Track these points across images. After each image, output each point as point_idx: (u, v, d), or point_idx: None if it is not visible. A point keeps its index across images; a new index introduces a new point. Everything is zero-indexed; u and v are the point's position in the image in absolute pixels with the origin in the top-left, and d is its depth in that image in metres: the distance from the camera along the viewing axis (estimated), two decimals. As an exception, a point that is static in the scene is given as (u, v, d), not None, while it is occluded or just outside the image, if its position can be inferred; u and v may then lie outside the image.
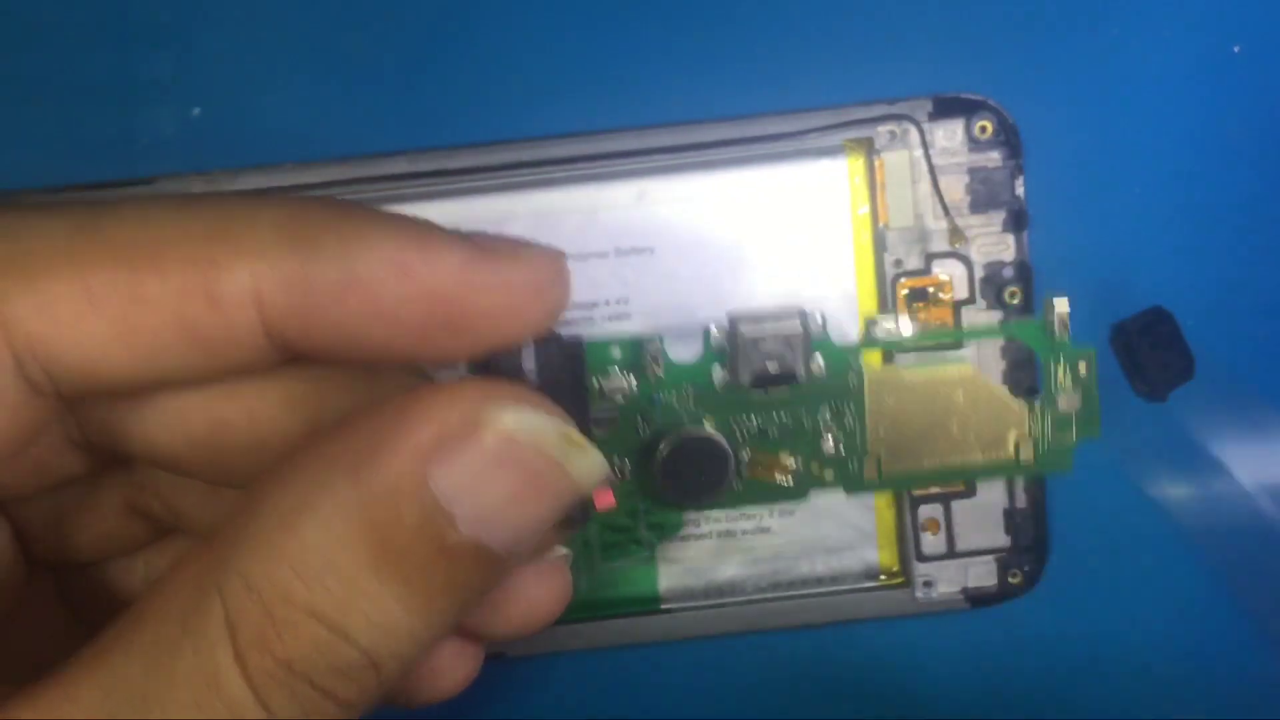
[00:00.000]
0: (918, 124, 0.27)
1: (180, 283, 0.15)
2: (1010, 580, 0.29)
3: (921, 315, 0.28)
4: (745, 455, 0.21)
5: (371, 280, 0.15)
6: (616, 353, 0.20)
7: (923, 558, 0.29)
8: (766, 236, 0.28)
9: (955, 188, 0.28)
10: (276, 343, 0.15)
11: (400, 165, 0.27)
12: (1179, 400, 0.28)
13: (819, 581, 0.29)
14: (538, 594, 0.19)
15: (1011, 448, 0.21)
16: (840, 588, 0.29)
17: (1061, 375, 0.21)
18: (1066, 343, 0.21)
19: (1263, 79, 0.28)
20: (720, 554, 0.29)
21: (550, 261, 0.17)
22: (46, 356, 0.15)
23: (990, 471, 0.22)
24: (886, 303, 0.28)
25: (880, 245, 0.28)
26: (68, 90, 0.27)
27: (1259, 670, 0.30)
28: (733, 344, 0.20)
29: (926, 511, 0.29)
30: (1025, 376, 0.28)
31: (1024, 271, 0.28)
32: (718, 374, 0.21)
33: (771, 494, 0.21)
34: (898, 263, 0.28)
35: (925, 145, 0.27)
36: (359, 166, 0.27)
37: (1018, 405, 0.21)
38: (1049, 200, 0.28)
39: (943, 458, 0.21)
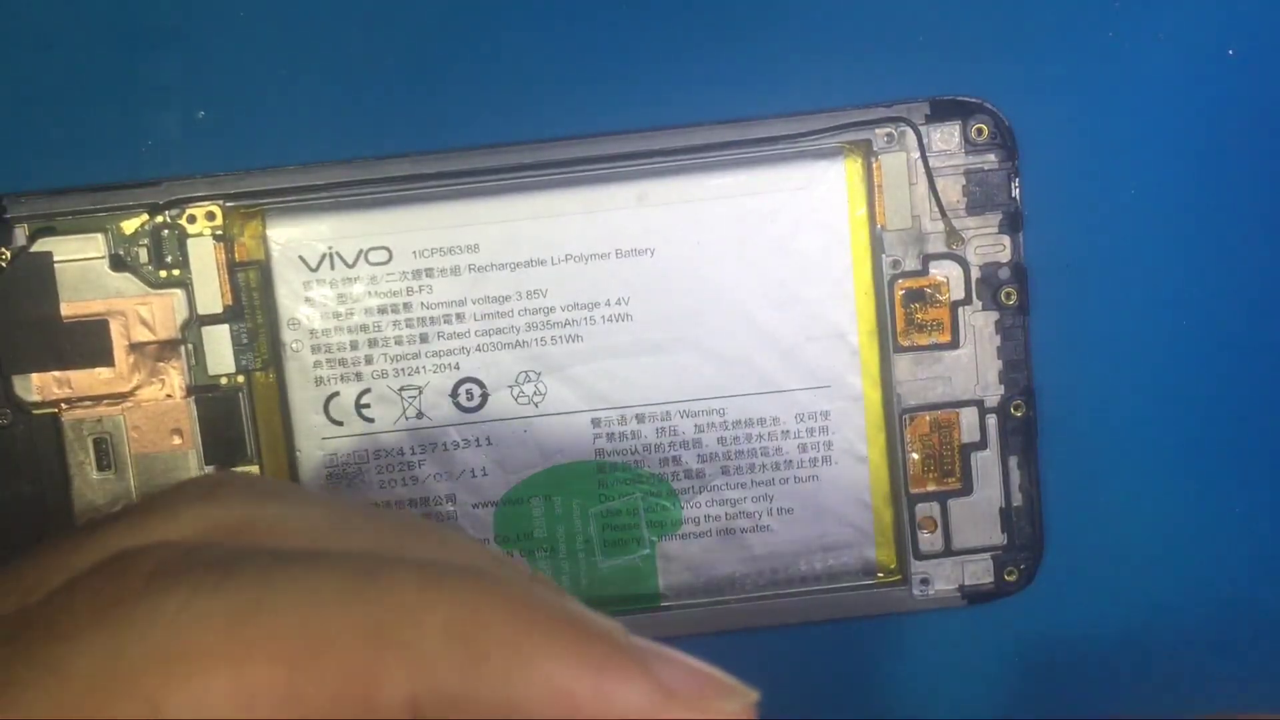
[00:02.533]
0: (915, 126, 0.28)
1: (338, 687, 0.14)
2: (1006, 578, 0.29)
3: (919, 316, 0.28)
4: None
5: (532, 708, 0.14)
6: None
7: (920, 555, 0.29)
8: (765, 238, 0.28)
9: (952, 189, 0.28)
10: None
11: (403, 168, 0.28)
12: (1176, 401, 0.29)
13: (817, 579, 0.29)
14: None
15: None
16: (838, 585, 0.29)
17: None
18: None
19: (1257, 82, 0.28)
20: (719, 551, 0.29)
21: (743, 715, 0.15)
22: None
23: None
24: (884, 304, 0.28)
25: (878, 246, 0.28)
26: (73, 92, 0.28)
27: (1257, 668, 0.30)
28: None
29: (924, 510, 0.29)
30: (1021, 377, 0.28)
31: (1020, 273, 0.28)
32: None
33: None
34: (895, 264, 0.28)
35: (922, 147, 0.28)
36: (362, 169, 0.28)
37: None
38: (1045, 202, 0.28)
39: None
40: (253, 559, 0.15)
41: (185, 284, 0.28)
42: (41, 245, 0.28)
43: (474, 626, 0.14)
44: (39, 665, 0.14)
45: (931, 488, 0.29)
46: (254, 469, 0.29)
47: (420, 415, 0.28)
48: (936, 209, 0.28)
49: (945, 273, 0.28)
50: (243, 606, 0.14)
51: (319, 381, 0.28)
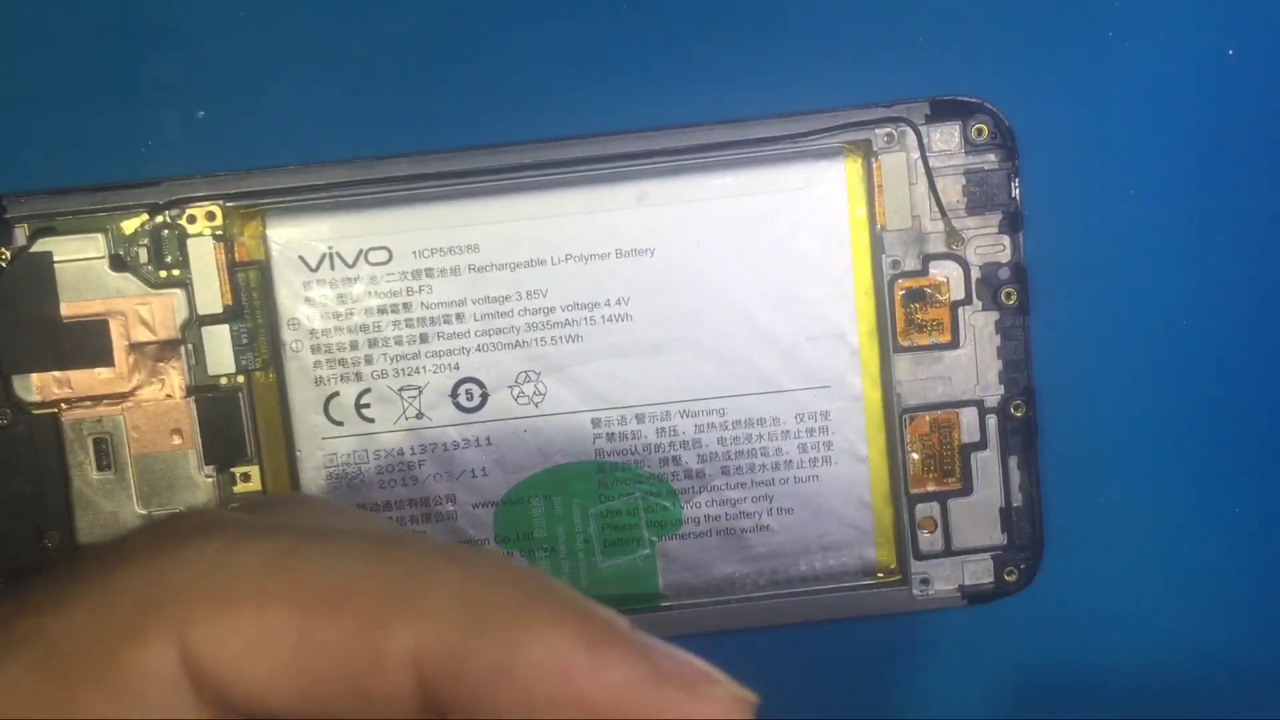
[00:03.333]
0: (915, 126, 0.28)
1: (350, 636, 0.15)
2: (1006, 578, 0.29)
3: (919, 316, 0.28)
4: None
5: (528, 673, 0.15)
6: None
7: (920, 555, 0.29)
8: (765, 238, 0.28)
9: (952, 190, 0.28)
10: (427, 704, 0.15)
11: (403, 168, 0.28)
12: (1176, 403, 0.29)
13: (817, 579, 0.29)
14: None
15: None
16: (838, 585, 0.29)
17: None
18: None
19: (1257, 82, 0.28)
20: (719, 551, 0.29)
21: (737, 710, 0.15)
22: (221, 682, 0.15)
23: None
24: (884, 304, 0.28)
25: (878, 246, 0.28)
26: (73, 91, 0.28)
27: (1256, 668, 0.30)
28: None
29: (924, 510, 0.29)
30: (1021, 377, 0.28)
31: (1020, 273, 0.28)
32: None
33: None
34: (895, 264, 0.28)
35: (922, 147, 0.28)
36: (362, 169, 0.28)
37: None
38: (1045, 202, 0.28)
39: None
40: (293, 527, 0.16)
41: (185, 284, 0.28)
42: (41, 245, 0.28)
43: (482, 594, 0.15)
44: (86, 581, 0.15)
45: (931, 488, 0.29)
46: (254, 469, 0.29)
47: (420, 415, 0.28)
48: (936, 209, 0.28)
49: (945, 273, 0.28)
50: (275, 556, 0.15)
51: (319, 381, 0.28)
